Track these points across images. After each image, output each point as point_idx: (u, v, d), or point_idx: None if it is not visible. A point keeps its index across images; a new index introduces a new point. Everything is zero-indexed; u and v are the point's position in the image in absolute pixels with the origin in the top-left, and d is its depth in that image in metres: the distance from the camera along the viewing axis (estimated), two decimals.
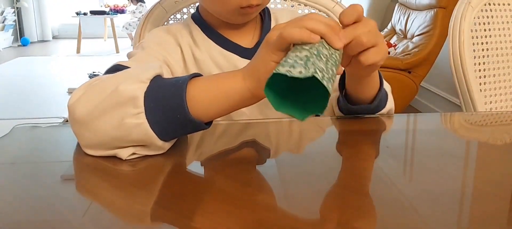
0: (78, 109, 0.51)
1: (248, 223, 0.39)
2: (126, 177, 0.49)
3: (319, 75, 0.43)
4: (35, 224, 0.39)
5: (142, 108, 0.49)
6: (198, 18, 0.80)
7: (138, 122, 0.49)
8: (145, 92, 0.49)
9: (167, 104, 0.50)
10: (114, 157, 0.52)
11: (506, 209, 0.42)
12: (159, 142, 0.51)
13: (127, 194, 0.45)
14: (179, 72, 0.75)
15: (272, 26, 0.81)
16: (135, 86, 0.50)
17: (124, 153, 0.51)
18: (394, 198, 0.43)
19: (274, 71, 0.44)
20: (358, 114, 0.69)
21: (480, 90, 1.04)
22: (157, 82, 0.51)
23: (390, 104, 0.72)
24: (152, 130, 0.49)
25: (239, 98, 0.52)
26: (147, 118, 0.49)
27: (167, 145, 0.53)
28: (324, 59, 0.46)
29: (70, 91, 3.78)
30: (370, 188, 0.46)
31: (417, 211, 0.41)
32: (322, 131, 0.68)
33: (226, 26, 0.77)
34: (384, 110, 0.70)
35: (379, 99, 0.67)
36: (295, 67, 0.43)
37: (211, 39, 0.77)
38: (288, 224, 0.39)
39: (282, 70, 0.43)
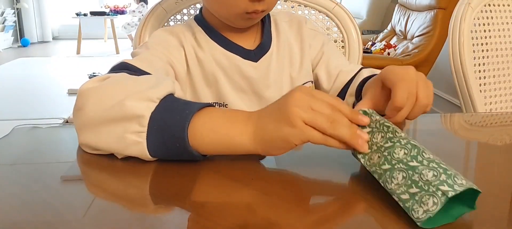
0: (86, 108, 0.51)
1: (250, 223, 0.39)
2: (126, 176, 0.49)
3: (458, 188, 0.39)
4: (35, 225, 0.39)
5: (146, 129, 0.49)
6: (201, 20, 0.80)
7: (138, 140, 0.49)
8: (152, 113, 0.49)
9: (169, 132, 0.49)
10: (114, 155, 0.52)
11: (506, 210, 0.42)
12: (152, 159, 0.51)
13: (127, 194, 0.45)
14: (182, 73, 0.76)
15: (272, 29, 0.82)
16: (143, 105, 0.49)
17: (119, 155, 0.52)
18: (394, 198, 0.43)
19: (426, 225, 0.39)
20: None
21: (480, 91, 1.04)
22: (165, 104, 0.50)
23: None
24: (148, 150, 0.49)
25: (243, 152, 0.51)
26: (147, 139, 0.49)
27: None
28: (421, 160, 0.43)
29: (70, 92, 3.79)
30: (370, 188, 0.46)
31: None
32: None
33: (229, 29, 0.78)
34: None
35: None
36: (430, 202, 0.39)
37: (214, 40, 0.78)
38: (287, 224, 0.39)
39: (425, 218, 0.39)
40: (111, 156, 0.52)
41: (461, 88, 1.04)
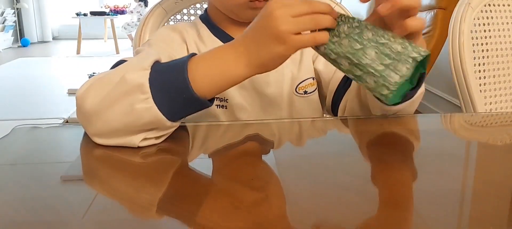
0: (87, 101, 0.53)
1: (249, 223, 0.39)
2: (127, 176, 0.49)
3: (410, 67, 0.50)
4: (35, 225, 0.39)
5: (149, 94, 0.51)
6: (205, 18, 0.82)
7: (147, 106, 0.51)
8: (149, 78, 0.52)
9: (172, 86, 0.52)
10: (117, 156, 0.52)
11: (506, 209, 0.42)
12: (168, 123, 0.53)
13: (128, 194, 0.45)
14: None
15: None
16: (139, 74, 0.52)
17: (136, 140, 0.53)
18: (394, 198, 0.43)
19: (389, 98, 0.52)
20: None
21: (480, 91, 1.04)
22: (158, 67, 0.54)
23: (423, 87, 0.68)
24: (161, 112, 0.51)
25: (241, 80, 0.56)
26: (155, 102, 0.51)
27: (175, 125, 0.55)
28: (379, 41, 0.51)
29: (70, 92, 3.79)
30: (370, 188, 0.46)
31: (417, 211, 0.41)
32: (325, 132, 0.69)
33: (233, 26, 0.78)
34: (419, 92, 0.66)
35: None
36: (392, 76, 0.50)
37: (217, 37, 0.79)
38: (287, 224, 0.39)
39: (386, 91, 0.51)
40: (111, 155, 0.52)
41: (461, 88, 1.03)
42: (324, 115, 0.86)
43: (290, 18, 0.51)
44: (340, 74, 0.78)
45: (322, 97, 0.84)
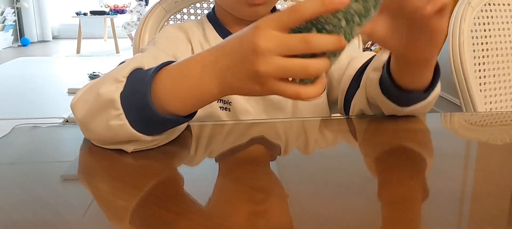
0: (76, 112, 0.53)
1: (248, 222, 0.39)
2: (128, 177, 0.49)
3: None
4: (35, 224, 0.39)
5: (121, 110, 0.49)
6: (212, 18, 0.81)
7: (120, 123, 0.49)
8: (121, 93, 0.49)
9: (137, 104, 0.49)
10: (117, 155, 0.52)
11: (506, 209, 0.42)
12: (148, 138, 0.51)
13: (129, 194, 0.45)
14: None
15: None
16: (112, 87, 0.50)
17: (128, 148, 0.52)
18: (394, 198, 0.43)
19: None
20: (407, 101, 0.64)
21: (480, 90, 1.04)
22: (132, 79, 0.51)
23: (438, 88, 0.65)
24: (135, 129, 0.49)
25: (213, 100, 0.50)
26: (127, 118, 0.49)
27: (159, 138, 0.52)
28: None
29: (70, 91, 3.79)
30: (370, 188, 0.46)
31: (417, 211, 0.41)
32: (327, 132, 0.69)
33: (239, 26, 0.78)
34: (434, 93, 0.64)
35: (434, 89, 0.62)
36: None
37: (222, 38, 0.78)
38: (288, 224, 0.39)
39: None
40: (111, 154, 0.52)
41: (461, 88, 1.03)
42: (332, 116, 0.85)
43: (275, 58, 0.41)
44: (352, 72, 0.75)
45: (332, 99, 0.82)
